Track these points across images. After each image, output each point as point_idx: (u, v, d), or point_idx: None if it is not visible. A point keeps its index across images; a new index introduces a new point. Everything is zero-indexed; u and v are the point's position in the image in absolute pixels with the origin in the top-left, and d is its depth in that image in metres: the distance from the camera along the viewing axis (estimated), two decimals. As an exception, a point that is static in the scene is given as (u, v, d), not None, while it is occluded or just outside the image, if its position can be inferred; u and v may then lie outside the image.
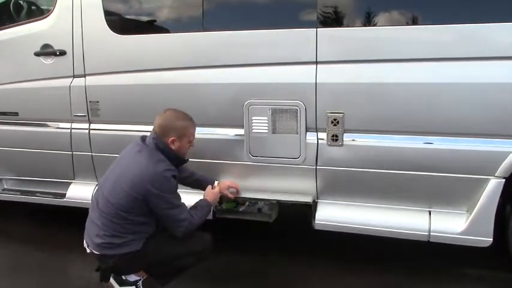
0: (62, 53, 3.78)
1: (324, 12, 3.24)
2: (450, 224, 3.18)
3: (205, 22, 3.44)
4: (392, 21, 3.16)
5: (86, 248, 3.03)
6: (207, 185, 3.37)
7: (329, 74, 3.24)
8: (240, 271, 3.61)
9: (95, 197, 3.09)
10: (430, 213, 3.25)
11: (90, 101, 3.79)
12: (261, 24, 3.33)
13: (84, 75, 3.77)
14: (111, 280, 3.08)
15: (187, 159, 3.18)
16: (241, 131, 3.46)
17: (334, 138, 3.29)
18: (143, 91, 3.64)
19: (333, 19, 3.29)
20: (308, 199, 3.43)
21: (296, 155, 3.39)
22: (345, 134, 3.27)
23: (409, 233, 3.25)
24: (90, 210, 3.08)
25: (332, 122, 3.27)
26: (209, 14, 3.45)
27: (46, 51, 3.83)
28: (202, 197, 3.25)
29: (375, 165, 3.26)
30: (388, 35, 3.13)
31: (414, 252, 3.64)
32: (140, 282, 3.15)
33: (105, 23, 3.64)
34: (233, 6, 3.50)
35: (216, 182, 3.43)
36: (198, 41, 3.47)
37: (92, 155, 3.91)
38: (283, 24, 3.29)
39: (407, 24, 3.14)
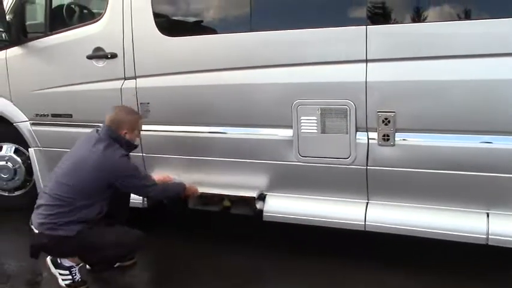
0: (113, 55, 3.86)
1: (373, 9, 3.18)
2: (511, 227, 3.06)
3: (253, 22, 3.44)
4: (444, 16, 3.06)
5: (30, 226, 3.32)
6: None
7: (379, 72, 3.17)
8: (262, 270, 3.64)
9: (44, 185, 3.48)
10: (488, 215, 3.13)
11: (140, 103, 3.85)
12: (310, 23, 3.29)
13: (135, 77, 3.83)
14: (48, 261, 3.41)
15: (137, 145, 3.60)
16: (290, 131, 3.44)
17: (386, 138, 3.22)
18: (192, 92, 3.67)
19: (383, 16, 3.22)
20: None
21: (346, 155, 3.34)
22: (396, 133, 3.19)
23: (466, 236, 3.15)
24: (38, 196, 3.44)
25: (383, 121, 3.20)
26: (257, 13, 3.45)
27: (98, 54, 3.91)
28: None
29: (428, 165, 3.17)
30: (440, 30, 3.03)
31: (455, 253, 3.52)
32: (76, 269, 3.39)
33: (155, 25, 3.69)
34: (281, 5, 3.46)
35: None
36: (246, 41, 3.47)
37: (142, 156, 3.99)
38: (332, 22, 3.25)
39: (461, 18, 3.03)
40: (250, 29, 3.45)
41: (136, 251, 3.54)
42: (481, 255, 3.42)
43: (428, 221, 3.24)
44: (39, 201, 3.36)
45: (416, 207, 3.30)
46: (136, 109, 3.85)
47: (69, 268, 3.39)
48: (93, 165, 3.24)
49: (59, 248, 3.30)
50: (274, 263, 3.67)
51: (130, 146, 3.48)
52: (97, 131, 3.44)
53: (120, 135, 3.38)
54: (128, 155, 3.42)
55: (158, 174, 3.79)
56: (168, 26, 3.73)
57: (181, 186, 3.63)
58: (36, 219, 3.29)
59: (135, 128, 3.47)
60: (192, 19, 3.82)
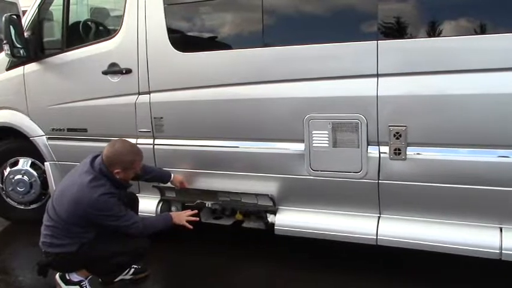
0: (128, 71, 3.92)
1: (385, 24, 3.20)
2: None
3: (265, 38, 3.48)
4: (456, 31, 3.07)
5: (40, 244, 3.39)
6: (167, 179, 3.84)
7: (391, 87, 3.19)
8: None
9: (49, 202, 3.42)
10: (501, 230, 3.11)
11: (154, 117, 3.90)
12: (321, 38, 3.33)
13: (149, 92, 3.89)
14: (57, 279, 3.44)
15: (131, 184, 3.53)
16: (301, 145, 3.46)
17: (397, 152, 3.22)
18: (205, 107, 3.71)
19: (394, 30, 3.24)
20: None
21: (357, 169, 3.35)
22: (408, 147, 3.20)
23: (478, 251, 3.12)
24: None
25: (394, 136, 3.21)
26: (269, 29, 3.49)
27: (113, 69, 3.97)
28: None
29: (441, 179, 3.17)
30: (452, 45, 3.05)
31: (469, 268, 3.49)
32: (86, 283, 3.43)
33: (168, 41, 3.75)
34: (292, 21, 3.51)
35: (172, 175, 3.84)
36: (259, 56, 3.51)
37: (156, 169, 4.01)
38: (343, 37, 3.28)
39: (474, 33, 3.02)
40: (263, 45, 3.49)
41: (140, 259, 3.54)
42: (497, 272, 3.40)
43: (440, 235, 3.23)
44: (44, 218, 3.37)
45: (429, 221, 3.29)
46: (150, 124, 3.91)
47: (79, 283, 3.42)
48: (71, 198, 3.18)
49: (64, 264, 3.35)
50: (285, 275, 3.68)
51: (119, 186, 3.34)
52: (94, 158, 3.34)
53: (110, 173, 3.26)
54: (112, 193, 3.23)
55: (177, 175, 3.87)
56: (182, 41, 3.78)
57: (167, 219, 3.52)
58: (40, 237, 3.34)
59: (130, 169, 3.34)
60: (205, 35, 3.88)
